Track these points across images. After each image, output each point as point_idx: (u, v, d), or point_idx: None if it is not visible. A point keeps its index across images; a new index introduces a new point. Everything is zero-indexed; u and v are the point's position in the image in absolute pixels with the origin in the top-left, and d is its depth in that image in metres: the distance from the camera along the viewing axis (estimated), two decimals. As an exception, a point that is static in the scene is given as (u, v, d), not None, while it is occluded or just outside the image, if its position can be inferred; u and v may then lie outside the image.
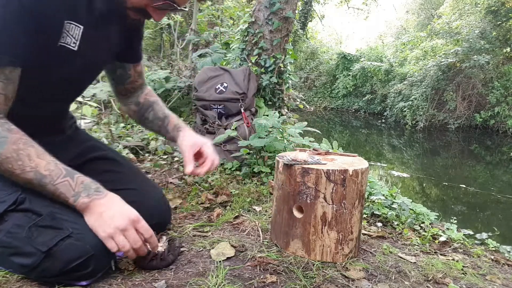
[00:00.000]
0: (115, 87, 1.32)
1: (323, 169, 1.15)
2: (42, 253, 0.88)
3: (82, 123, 2.62)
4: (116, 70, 1.27)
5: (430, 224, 1.74)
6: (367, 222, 1.68)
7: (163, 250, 1.07)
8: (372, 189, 1.94)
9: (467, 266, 1.33)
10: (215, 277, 1.02)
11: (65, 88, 1.12)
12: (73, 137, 1.26)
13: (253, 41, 2.80)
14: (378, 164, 5.98)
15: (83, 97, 2.73)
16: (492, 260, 1.47)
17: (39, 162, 0.91)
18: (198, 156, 1.21)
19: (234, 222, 1.47)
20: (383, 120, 11.92)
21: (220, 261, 1.13)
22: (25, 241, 0.90)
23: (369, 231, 1.54)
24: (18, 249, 0.91)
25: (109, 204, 0.95)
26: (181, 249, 1.19)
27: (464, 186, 4.80)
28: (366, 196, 1.73)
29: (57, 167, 0.93)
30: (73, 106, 2.66)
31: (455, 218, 1.94)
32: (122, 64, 1.27)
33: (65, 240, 0.89)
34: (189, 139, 1.22)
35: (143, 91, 1.36)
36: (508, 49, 10.38)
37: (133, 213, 0.96)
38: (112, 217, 0.93)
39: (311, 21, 16.56)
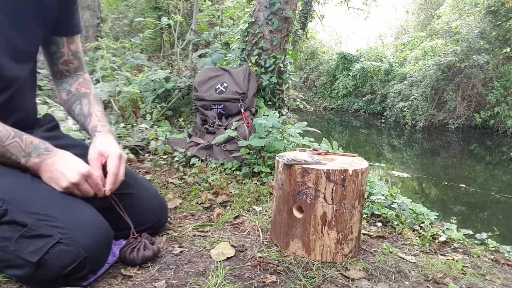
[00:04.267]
0: (51, 68, 1.21)
1: (323, 169, 1.15)
2: (34, 264, 0.86)
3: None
4: (50, 46, 1.16)
5: (430, 224, 1.74)
6: (367, 222, 1.68)
7: (144, 242, 1.08)
8: (372, 189, 1.94)
9: (467, 266, 1.33)
10: (215, 277, 1.02)
11: None
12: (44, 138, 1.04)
13: (253, 41, 2.80)
14: (378, 164, 5.98)
15: None
16: (492, 260, 1.47)
17: None
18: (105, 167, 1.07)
19: (234, 222, 1.47)
20: (383, 120, 11.92)
21: (220, 261, 1.13)
22: (14, 254, 0.87)
23: (369, 231, 1.54)
24: (9, 262, 0.89)
25: (59, 162, 0.96)
26: (180, 248, 1.19)
27: (464, 186, 4.80)
28: (366, 196, 1.73)
29: (5, 128, 0.93)
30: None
31: (455, 218, 1.94)
32: (54, 39, 1.15)
33: (56, 247, 0.87)
34: (97, 147, 1.07)
35: (78, 79, 1.23)
36: (508, 49, 10.37)
37: (83, 167, 0.97)
38: (63, 174, 0.95)
39: (311, 21, 16.55)
